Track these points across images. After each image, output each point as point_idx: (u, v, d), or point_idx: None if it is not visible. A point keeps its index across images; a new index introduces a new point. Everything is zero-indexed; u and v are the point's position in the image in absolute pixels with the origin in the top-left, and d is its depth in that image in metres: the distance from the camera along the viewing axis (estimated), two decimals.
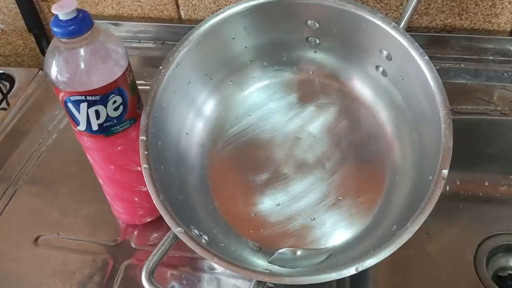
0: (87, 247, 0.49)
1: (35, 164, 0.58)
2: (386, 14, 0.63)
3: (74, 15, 0.36)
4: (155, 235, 0.50)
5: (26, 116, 0.65)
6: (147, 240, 0.49)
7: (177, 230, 0.38)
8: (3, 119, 0.65)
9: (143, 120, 0.41)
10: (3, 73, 0.73)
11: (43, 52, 0.77)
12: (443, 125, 0.38)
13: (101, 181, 0.47)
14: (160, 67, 0.43)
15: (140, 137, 0.41)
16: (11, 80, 0.72)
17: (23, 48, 0.80)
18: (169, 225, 0.38)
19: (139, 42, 0.72)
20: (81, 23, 0.36)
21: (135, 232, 0.50)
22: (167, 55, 0.44)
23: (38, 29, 0.74)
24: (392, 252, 0.35)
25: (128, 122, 0.41)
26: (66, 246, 0.49)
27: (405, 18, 0.43)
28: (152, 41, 0.72)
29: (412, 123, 0.45)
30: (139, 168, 0.42)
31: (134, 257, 0.48)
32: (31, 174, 0.57)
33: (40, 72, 0.71)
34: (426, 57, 0.40)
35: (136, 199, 0.48)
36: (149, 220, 0.50)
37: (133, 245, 0.49)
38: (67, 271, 0.47)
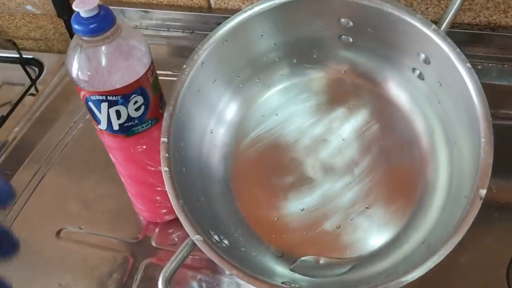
0: (108, 243, 0.49)
1: (60, 155, 0.58)
2: (426, 9, 0.60)
3: (96, 12, 0.34)
4: (176, 234, 0.49)
5: (53, 105, 0.65)
6: (168, 239, 0.48)
7: (195, 237, 0.36)
8: (31, 106, 0.65)
9: (165, 121, 0.40)
10: (32, 58, 0.73)
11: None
12: (483, 139, 0.35)
13: (123, 179, 0.46)
14: (184, 66, 0.42)
15: (162, 139, 0.39)
16: (40, 65, 0.72)
17: (53, 32, 0.80)
18: (187, 232, 0.37)
19: (168, 30, 0.71)
20: (103, 21, 0.35)
21: (156, 230, 0.49)
22: (192, 53, 0.42)
23: (68, 14, 0.74)
24: (420, 275, 0.33)
25: (149, 122, 0.40)
26: (87, 241, 0.49)
27: (447, 20, 0.39)
28: (181, 30, 0.71)
29: (449, 133, 0.42)
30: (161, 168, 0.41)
31: (154, 257, 0.47)
32: (56, 164, 0.57)
33: None
34: (468, 65, 0.37)
35: (158, 198, 0.47)
36: (170, 218, 0.49)
37: (153, 244, 0.48)
38: (87, 267, 0.47)
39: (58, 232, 0.50)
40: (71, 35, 0.76)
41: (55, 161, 0.57)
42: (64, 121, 0.62)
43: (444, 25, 0.39)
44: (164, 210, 0.48)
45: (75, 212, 0.52)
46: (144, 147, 0.42)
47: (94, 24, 0.34)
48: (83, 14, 0.34)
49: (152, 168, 0.43)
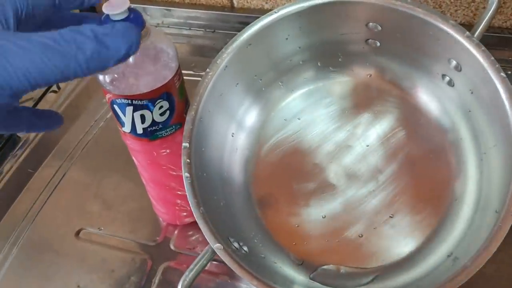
0: (127, 245, 0.49)
1: (80, 154, 0.58)
2: (456, 11, 0.58)
3: (126, 15, 0.33)
4: (195, 237, 0.48)
5: (75, 102, 0.64)
6: (187, 243, 0.48)
7: (216, 246, 0.36)
8: (53, 103, 0.65)
9: (187, 126, 0.39)
10: None
11: None
12: None
13: (144, 182, 0.46)
14: (207, 70, 0.41)
15: (183, 144, 0.39)
16: None
17: None
18: (208, 240, 0.36)
19: (189, 29, 0.71)
20: (133, 23, 0.34)
21: (175, 233, 0.49)
22: (215, 57, 0.41)
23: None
24: None
25: (174, 127, 0.39)
26: (106, 242, 0.49)
27: (481, 26, 0.38)
28: (203, 29, 0.70)
29: (479, 143, 0.41)
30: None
31: (173, 260, 0.47)
32: (76, 163, 0.57)
33: None
34: (503, 74, 0.35)
35: (178, 201, 0.46)
36: (190, 221, 0.49)
37: (172, 247, 0.48)
38: (106, 268, 0.47)
39: (78, 232, 0.50)
40: None
41: (76, 160, 0.57)
42: (86, 119, 0.62)
43: (478, 32, 0.38)
44: (184, 213, 0.48)
45: (95, 213, 0.52)
46: (167, 151, 0.41)
47: None
48: (112, 17, 0.33)
49: (174, 173, 0.43)
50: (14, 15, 0.27)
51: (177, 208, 0.47)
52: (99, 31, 0.25)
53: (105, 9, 0.33)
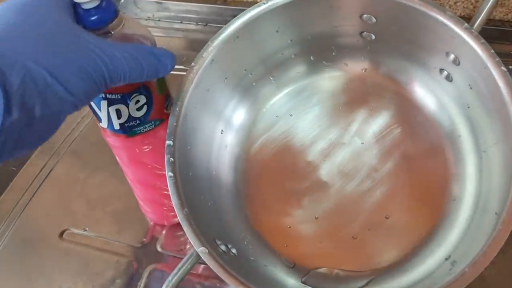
0: (112, 246, 0.47)
1: (66, 151, 0.56)
2: (455, 3, 0.56)
3: (97, 3, 0.32)
4: (183, 239, 0.47)
5: None
6: (174, 244, 0.46)
7: (200, 249, 0.34)
8: None
9: (170, 122, 0.37)
10: None
11: None
12: None
13: (129, 182, 0.44)
14: (192, 64, 0.39)
15: (167, 142, 0.37)
16: None
17: None
18: (192, 243, 0.34)
19: (181, 23, 0.68)
20: (105, 12, 0.32)
21: (163, 233, 0.47)
22: (200, 50, 0.39)
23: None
24: None
25: (153, 122, 0.37)
26: (91, 243, 0.47)
27: (480, 17, 0.36)
28: (195, 22, 0.68)
29: (478, 140, 0.39)
30: None
31: (159, 263, 0.45)
32: (62, 161, 0.55)
33: None
34: (503, 68, 0.33)
35: (166, 201, 0.44)
36: (178, 221, 0.47)
37: (159, 249, 0.46)
38: (90, 271, 0.45)
39: (62, 233, 0.48)
40: None
41: (61, 158, 0.55)
42: (72, 116, 0.59)
43: (477, 24, 0.36)
44: (172, 213, 0.46)
45: (80, 212, 0.50)
46: (150, 147, 0.39)
47: (94, 16, 0.32)
48: (83, 6, 0.32)
49: (160, 172, 0.41)
50: None
51: (164, 208, 0.45)
52: (158, 52, 0.33)
53: None
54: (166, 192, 0.43)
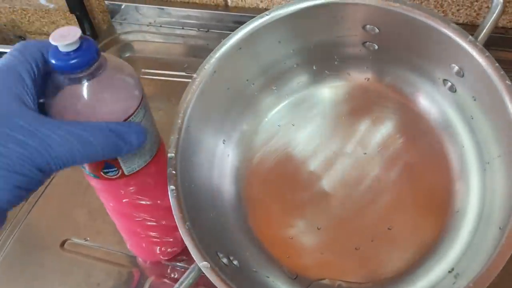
0: (113, 257, 0.47)
1: None
2: (458, 11, 0.55)
3: (76, 46, 0.29)
4: (185, 249, 0.46)
5: None
6: (177, 255, 0.46)
7: (202, 264, 0.34)
8: None
9: (173, 135, 0.37)
10: None
11: (85, 34, 0.74)
12: None
13: (110, 215, 0.41)
14: (194, 75, 0.39)
15: (169, 154, 0.37)
16: None
17: None
18: (194, 258, 0.34)
19: (183, 28, 0.68)
20: (85, 55, 0.29)
21: None
22: (203, 62, 0.39)
23: (80, 11, 0.71)
24: None
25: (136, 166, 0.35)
26: (92, 253, 0.47)
27: (485, 29, 0.36)
28: (196, 28, 0.68)
29: (482, 152, 0.38)
30: (158, 202, 0.38)
31: (161, 273, 0.45)
32: (63, 170, 0.54)
33: None
34: (508, 82, 0.33)
35: (152, 233, 0.42)
36: (177, 251, 0.45)
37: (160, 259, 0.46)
38: (91, 282, 0.45)
39: (63, 243, 0.48)
40: (84, 31, 0.74)
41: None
42: None
43: (481, 36, 0.35)
44: (163, 247, 0.44)
45: (81, 222, 0.50)
46: (134, 188, 0.37)
47: (75, 60, 0.29)
48: (62, 49, 0.29)
49: (145, 202, 0.38)
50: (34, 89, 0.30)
51: (154, 240, 0.42)
52: (120, 129, 0.30)
53: (53, 39, 0.28)
54: (152, 223, 0.41)
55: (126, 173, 0.34)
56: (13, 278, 0.46)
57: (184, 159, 0.38)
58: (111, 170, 0.34)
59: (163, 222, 0.40)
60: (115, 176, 0.34)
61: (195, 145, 0.40)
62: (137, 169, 0.35)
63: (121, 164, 0.34)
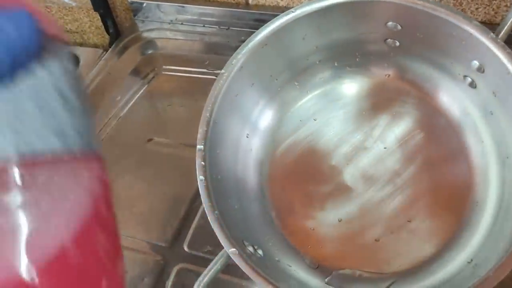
0: (139, 245, 0.48)
1: None
2: (476, 9, 0.56)
3: None
4: (209, 238, 0.48)
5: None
6: (200, 244, 0.47)
7: (231, 251, 0.35)
8: None
9: (201, 127, 0.39)
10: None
11: (108, 32, 0.76)
12: None
13: None
14: (222, 71, 0.40)
15: (198, 146, 0.38)
16: (75, 59, 0.72)
17: (89, 25, 0.80)
18: (222, 244, 0.36)
19: (203, 26, 0.70)
20: None
21: (189, 233, 0.48)
22: (230, 58, 0.40)
23: (103, 8, 0.73)
24: None
25: None
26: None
27: (506, 26, 0.37)
28: (217, 26, 0.69)
29: (501, 147, 0.39)
30: None
31: (187, 262, 0.46)
32: None
33: (104, 53, 0.71)
34: None
35: None
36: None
37: (186, 248, 0.47)
38: None
39: None
40: (106, 29, 0.76)
41: None
42: (99, 117, 0.61)
43: (502, 33, 0.36)
44: None
45: None
46: None
47: None
48: None
49: None
50: None
51: None
52: None
53: None
54: None
55: None
56: None
57: (211, 151, 0.39)
58: None
59: None
60: None
61: (221, 138, 0.42)
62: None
63: None
